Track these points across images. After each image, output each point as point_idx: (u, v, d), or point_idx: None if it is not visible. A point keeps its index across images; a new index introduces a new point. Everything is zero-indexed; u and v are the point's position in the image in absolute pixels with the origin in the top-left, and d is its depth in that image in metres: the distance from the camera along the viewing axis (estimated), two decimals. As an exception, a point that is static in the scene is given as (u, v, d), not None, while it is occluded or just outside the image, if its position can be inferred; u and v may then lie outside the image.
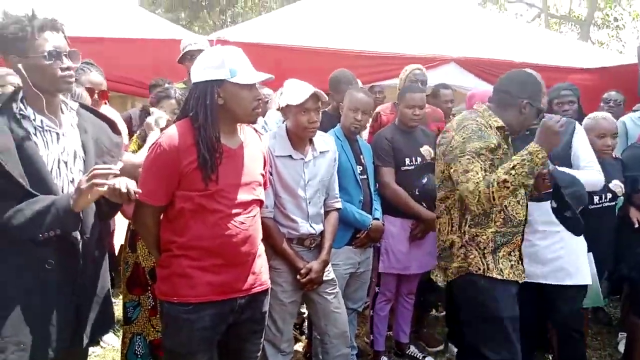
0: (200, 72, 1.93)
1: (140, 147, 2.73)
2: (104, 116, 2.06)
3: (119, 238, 2.98)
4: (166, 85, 2.85)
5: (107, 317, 2.06)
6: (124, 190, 1.69)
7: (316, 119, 2.48)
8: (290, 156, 2.51)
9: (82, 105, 2.02)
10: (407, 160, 3.16)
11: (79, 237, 1.85)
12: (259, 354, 2.24)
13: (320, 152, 2.61)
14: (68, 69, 1.78)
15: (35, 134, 1.78)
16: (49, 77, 1.75)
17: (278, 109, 3.25)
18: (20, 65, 1.73)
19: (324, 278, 2.58)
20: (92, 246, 1.92)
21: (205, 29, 15.36)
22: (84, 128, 1.92)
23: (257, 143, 2.16)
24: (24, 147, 1.71)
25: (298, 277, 2.50)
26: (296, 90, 2.48)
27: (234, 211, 1.97)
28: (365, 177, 3.02)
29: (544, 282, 2.79)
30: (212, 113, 1.89)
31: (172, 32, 4.84)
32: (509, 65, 5.05)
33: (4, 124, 1.70)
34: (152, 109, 2.72)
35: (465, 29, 5.71)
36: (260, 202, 2.12)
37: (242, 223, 1.98)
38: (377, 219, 3.02)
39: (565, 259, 2.76)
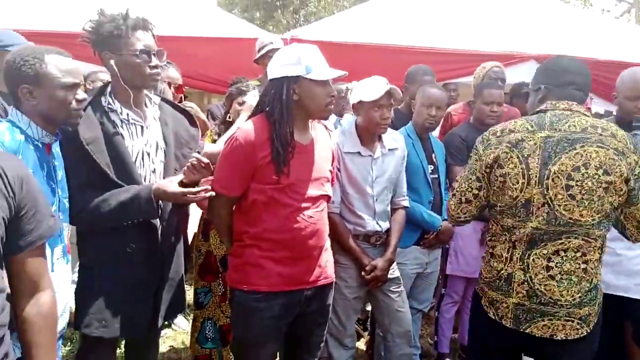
0: (277, 68, 2.00)
1: (214, 141, 2.85)
2: (182, 109, 2.18)
3: (192, 227, 3.12)
4: (247, 83, 2.95)
5: (180, 301, 2.19)
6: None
7: (388, 115, 2.49)
8: (359, 153, 2.52)
9: (163, 99, 2.15)
10: (480, 161, 3.07)
11: (158, 223, 1.97)
12: (322, 345, 2.29)
13: (389, 149, 2.60)
14: (156, 67, 1.93)
15: (121, 126, 1.92)
16: (139, 74, 1.89)
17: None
18: (112, 62, 1.86)
19: (389, 276, 2.57)
20: (169, 232, 2.05)
21: (279, 28, 15.67)
22: (165, 121, 2.05)
23: (326, 140, 2.21)
24: (111, 139, 1.86)
25: (363, 273, 2.50)
26: (370, 87, 2.48)
27: (304, 205, 2.02)
28: (436, 176, 2.97)
29: (626, 295, 2.59)
30: (288, 108, 1.95)
31: (247, 32, 4.97)
32: (593, 63, 4.79)
33: (93, 116, 1.85)
34: (243, 98, 2.83)
35: (546, 25, 5.44)
36: (328, 198, 2.17)
37: (311, 217, 2.04)
38: (447, 219, 2.96)
39: None
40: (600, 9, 18.69)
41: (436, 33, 4.97)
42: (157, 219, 1.98)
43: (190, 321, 3.20)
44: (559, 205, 1.82)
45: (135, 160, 1.95)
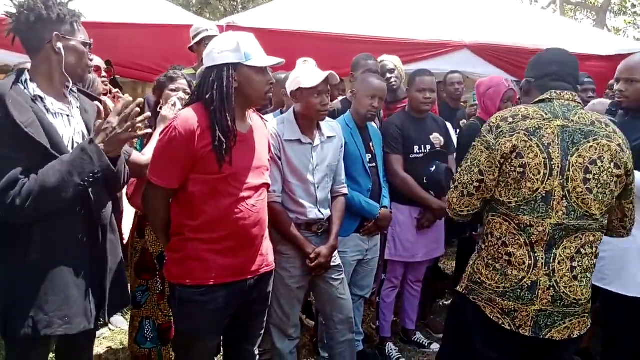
0: (215, 55, 1.96)
1: (144, 134, 2.74)
2: (92, 96, 2.09)
3: (127, 225, 3.00)
4: (177, 71, 2.83)
5: (124, 293, 2.11)
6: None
7: (327, 102, 2.49)
8: (299, 140, 2.51)
9: (78, 89, 2.05)
10: (417, 148, 3.14)
11: (96, 214, 1.89)
12: (262, 333, 2.28)
13: (327, 137, 2.61)
14: (91, 60, 1.93)
15: (48, 115, 1.80)
16: (81, 64, 1.87)
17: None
18: (60, 45, 1.78)
19: (331, 263, 2.59)
20: (107, 223, 1.97)
21: (216, 16, 15.30)
22: (84, 109, 1.96)
23: (263, 128, 2.22)
24: (44, 124, 1.75)
25: (307, 261, 2.51)
26: (308, 74, 2.48)
27: (246, 194, 2.00)
28: (374, 165, 3.01)
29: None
30: (228, 96, 1.93)
31: (183, 18, 4.81)
32: (523, 52, 5.00)
33: (24, 101, 1.72)
34: (170, 99, 2.71)
35: (479, 15, 5.62)
36: (268, 186, 2.17)
37: (254, 206, 2.03)
38: (386, 207, 3.02)
39: (607, 261, 2.40)
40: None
41: (374, 22, 5.01)
42: (95, 211, 1.88)
43: (129, 320, 3.09)
44: (577, 198, 1.75)
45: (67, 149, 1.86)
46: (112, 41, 3.93)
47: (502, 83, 3.37)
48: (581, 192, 1.75)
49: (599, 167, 1.76)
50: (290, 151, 2.49)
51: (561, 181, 1.74)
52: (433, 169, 3.08)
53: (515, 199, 1.78)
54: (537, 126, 1.77)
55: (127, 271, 3.05)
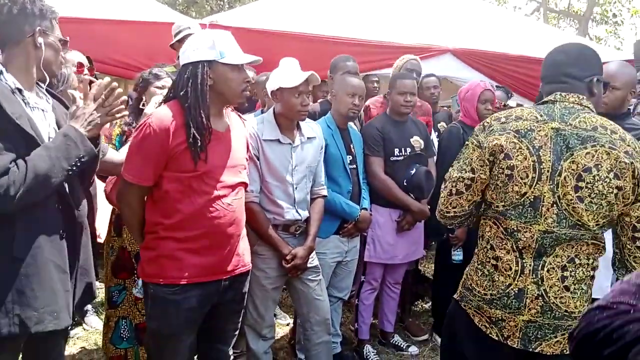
0: (190, 53, 1.96)
1: (123, 132, 2.71)
2: (55, 95, 2.06)
3: (103, 223, 2.95)
4: (158, 68, 2.81)
5: (91, 289, 2.08)
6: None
7: (308, 102, 2.49)
8: (278, 140, 2.50)
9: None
10: (397, 151, 3.15)
11: (75, 209, 1.87)
12: (236, 333, 2.27)
13: (307, 137, 2.61)
14: (64, 57, 1.90)
15: (27, 109, 1.78)
16: (56, 60, 1.85)
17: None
18: (42, 40, 1.76)
19: (307, 265, 2.58)
20: (83, 220, 1.94)
21: (202, 14, 15.22)
22: (53, 106, 1.94)
23: (241, 128, 2.21)
24: (29, 118, 1.73)
25: (283, 262, 2.50)
26: (289, 74, 2.47)
27: (222, 193, 1.99)
28: (354, 166, 3.01)
29: None
30: (203, 93, 1.92)
31: (167, 16, 4.78)
32: (506, 58, 5.06)
33: (10, 94, 1.70)
34: (152, 97, 2.68)
35: (463, 20, 5.66)
36: (245, 185, 2.16)
37: (229, 205, 2.01)
38: (365, 208, 3.02)
39: None
40: (512, 6, 19.79)
41: (358, 24, 5.03)
42: (74, 205, 1.85)
43: (104, 320, 3.05)
44: (568, 206, 1.64)
45: None
46: (93, 37, 3.89)
47: (478, 84, 3.42)
48: (571, 199, 1.64)
49: (594, 176, 1.63)
50: (269, 151, 2.47)
51: (551, 186, 1.65)
52: (413, 171, 3.09)
53: (503, 203, 1.71)
54: (529, 128, 1.69)
55: (102, 269, 3.02)
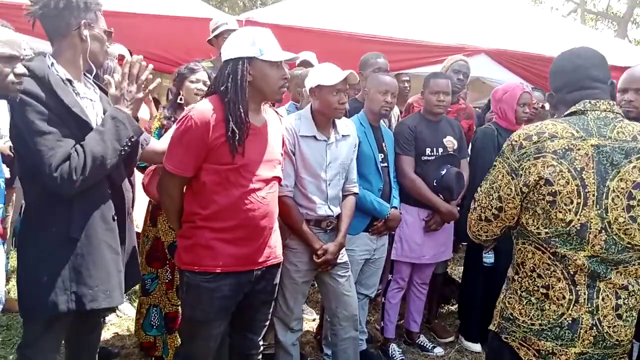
0: (231, 50, 2.02)
1: (162, 125, 2.78)
2: (100, 86, 2.13)
3: (140, 214, 3.03)
4: (195, 63, 2.87)
5: (138, 271, 2.18)
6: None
7: (345, 100, 2.53)
8: (314, 137, 2.54)
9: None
10: (428, 150, 3.15)
11: (124, 192, 1.98)
12: (267, 324, 2.32)
13: (342, 135, 2.64)
14: (108, 47, 1.99)
15: (77, 98, 1.86)
16: (101, 50, 1.93)
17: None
18: (87, 32, 1.84)
19: (337, 261, 2.61)
20: (130, 206, 2.05)
21: (235, 10, 15.37)
22: (101, 96, 2.01)
23: (278, 124, 2.26)
24: (82, 108, 1.83)
25: (314, 257, 2.53)
26: (328, 72, 2.51)
27: (257, 186, 2.04)
28: (386, 165, 3.02)
29: None
30: (242, 88, 1.98)
31: (202, 11, 4.84)
32: (541, 60, 4.96)
33: (63, 84, 1.79)
34: (188, 89, 2.76)
35: (498, 21, 5.57)
36: (279, 179, 2.21)
37: (264, 198, 2.06)
38: (395, 207, 3.03)
39: None
40: (549, 6, 19.37)
41: (391, 23, 5.00)
42: (124, 188, 1.97)
43: (136, 307, 3.14)
44: (619, 230, 1.52)
45: None
46: (132, 31, 3.97)
47: (517, 86, 3.36)
48: (623, 222, 1.52)
49: None
50: (305, 147, 2.51)
51: (599, 211, 1.51)
52: (444, 172, 3.08)
53: (546, 230, 1.57)
54: (566, 147, 1.53)
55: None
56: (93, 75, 2.00)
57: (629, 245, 1.54)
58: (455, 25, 5.25)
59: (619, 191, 1.52)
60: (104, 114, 1.94)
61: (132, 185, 2.09)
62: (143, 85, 1.89)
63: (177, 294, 2.87)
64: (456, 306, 4.06)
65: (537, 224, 1.58)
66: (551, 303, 1.59)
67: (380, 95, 2.91)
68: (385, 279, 3.36)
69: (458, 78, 3.57)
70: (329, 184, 2.57)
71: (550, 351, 1.59)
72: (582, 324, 1.56)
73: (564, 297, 1.58)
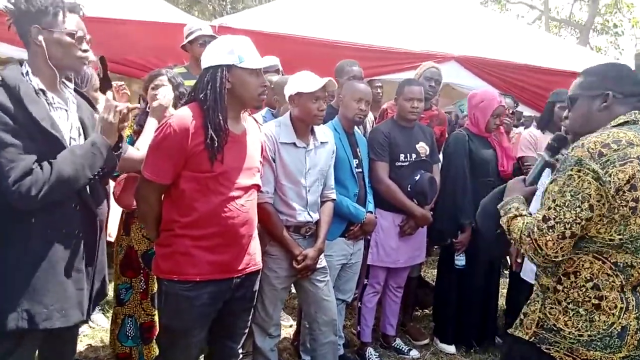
0: (210, 57, 2.03)
1: (135, 132, 2.75)
2: (82, 94, 2.09)
3: (114, 222, 2.98)
4: (162, 69, 2.85)
5: (104, 286, 2.12)
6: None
7: (324, 107, 2.56)
8: (294, 144, 2.56)
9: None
10: (402, 156, 3.20)
11: (95, 208, 1.90)
12: (246, 331, 2.32)
13: (321, 142, 2.67)
14: (86, 51, 1.86)
15: (50, 109, 1.80)
16: (69, 55, 1.81)
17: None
18: (41, 38, 1.75)
19: (317, 266, 2.62)
20: (103, 219, 1.98)
21: (204, 14, 15.26)
22: (79, 105, 1.96)
23: (257, 132, 2.28)
24: (51, 119, 1.76)
25: (294, 263, 2.55)
26: (307, 79, 2.54)
27: (236, 194, 2.05)
28: (360, 170, 3.06)
29: None
30: (221, 95, 1.99)
31: (174, 16, 4.80)
32: (509, 66, 5.10)
33: (34, 95, 1.73)
34: (158, 90, 2.72)
35: (467, 28, 5.70)
36: (258, 187, 2.22)
37: (243, 206, 2.07)
38: (371, 212, 3.07)
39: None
40: (515, 14, 19.89)
41: (364, 30, 5.06)
42: (93, 205, 1.89)
43: (109, 318, 3.08)
44: None
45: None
46: (104, 36, 3.90)
47: (494, 98, 3.41)
48: None
49: None
50: (285, 154, 2.53)
51: None
52: (417, 177, 3.14)
53: (620, 236, 1.54)
54: None
55: (111, 268, 3.06)
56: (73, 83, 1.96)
57: None
58: (426, 32, 5.34)
59: None
60: (82, 123, 1.91)
61: (107, 195, 2.06)
62: (121, 117, 1.85)
63: (151, 304, 2.84)
64: (430, 308, 4.12)
65: (611, 231, 1.55)
66: (601, 314, 1.58)
67: (354, 103, 2.96)
68: (361, 283, 3.39)
69: (430, 85, 3.64)
70: (309, 190, 2.60)
71: (599, 359, 1.58)
72: (629, 330, 1.58)
73: (615, 307, 1.57)
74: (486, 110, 3.36)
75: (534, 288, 1.80)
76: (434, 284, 4.05)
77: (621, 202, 1.53)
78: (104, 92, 3.42)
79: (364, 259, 3.24)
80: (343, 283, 3.10)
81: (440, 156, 3.61)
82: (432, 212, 3.32)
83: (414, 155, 3.24)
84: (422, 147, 3.28)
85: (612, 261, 1.57)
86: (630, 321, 1.58)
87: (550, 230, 1.55)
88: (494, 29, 5.96)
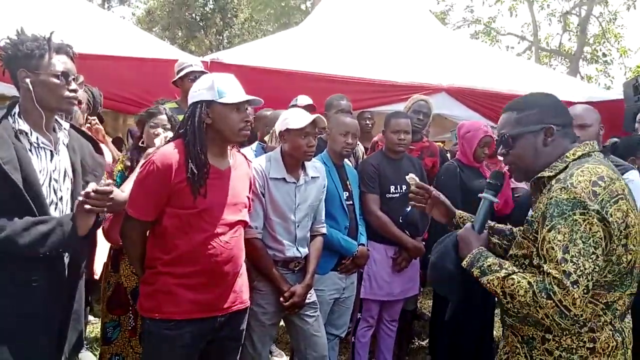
0: (193, 94, 2.06)
1: (126, 167, 2.74)
2: (88, 135, 2.11)
3: (101, 258, 2.95)
4: (159, 105, 2.87)
5: (80, 336, 2.07)
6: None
7: (314, 143, 2.56)
8: (284, 179, 2.56)
9: (71, 125, 2.07)
10: (393, 188, 3.20)
11: (65, 255, 1.86)
12: None
13: (311, 177, 2.66)
14: (74, 91, 1.88)
15: (30, 150, 1.80)
16: (56, 96, 1.83)
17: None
18: (28, 80, 1.79)
19: (306, 301, 2.58)
20: (77, 264, 1.94)
21: (201, 49, 15.53)
22: (73, 147, 1.97)
23: (245, 168, 2.26)
24: (22, 161, 1.75)
25: (281, 299, 2.51)
26: (297, 115, 2.56)
27: (220, 230, 2.03)
28: (351, 202, 3.05)
29: None
30: (200, 130, 2.00)
31: (166, 52, 4.88)
32: (498, 96, 5.16)
33: (7, 136, 1.73)
34: (160, 137, 2.73)
35: (457, 60, 5.80)
36: (245, 223, 2.19)
37: (227, 242, 2.05)
38: (363, 244, 3.04)
39: None
40: (505, 45, 20.28)
41: (355, 63, 5.14)
42: (71, 255, 1.88)
43: (97, 357, 3.01)
44: None
45: (42, 186, 1.84)
46: (95, 72, 3.95)
47: (480, 128, 3.44)
48: None
49: None
50: (274, 189, 2.53)
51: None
52: (409, 209, 3.12)
53: (612, 275, 1.49)
54: (623, 187, 1.52)
55: (98, 305, 3.00)
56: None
57: None
58: (416, 64, 5.43)
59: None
60: (73, 163, 1.90)
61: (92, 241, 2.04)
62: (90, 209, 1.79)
63: (140, 342, 2.78)
64: (427, 341, 4.04)
65: (605, 271, 1.49)
66: (595, 356, 1.52)
67: (341, 137, 2.97)
68: (354, 317, 3.34)
69: (418, 118, 3.67)
70: (298, 226, 2.58)
71: None
72: None
73: (609, 346, 1.52)
74: (472, 141, 3.38)
75: (508, 340, 1.69)
76: (429, 315, 3.99)
77: (618, 242, 1.47)
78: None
79: (357, 292, 3.20)
80: (336, 318, 3.05)
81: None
82: (424, 243, 3.30)
83: (404, 187, 3.23)
84: (412, 179, 3.27)
85: (603, 302, 1.51)
86: (619, 357, 1.54)
87: (575, 286, 1.40)
88: (484, 61, 6.07)
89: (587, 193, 1.46)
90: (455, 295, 1.74)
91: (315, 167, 2.75)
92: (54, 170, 1.86)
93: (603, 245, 1.44)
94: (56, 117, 1.95)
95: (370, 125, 4.57)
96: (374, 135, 4.29)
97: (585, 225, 1.44)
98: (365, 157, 3.74)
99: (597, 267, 1.43)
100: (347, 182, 3.07)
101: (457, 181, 3.34)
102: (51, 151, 1.87)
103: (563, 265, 1.42)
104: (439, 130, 6.38)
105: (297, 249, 2.59)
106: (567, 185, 1.49)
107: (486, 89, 5.30)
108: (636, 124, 4.30)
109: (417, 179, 3.28)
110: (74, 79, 1.88)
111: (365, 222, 3.16)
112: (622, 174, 2.48)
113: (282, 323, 2.78)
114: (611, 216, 1.45)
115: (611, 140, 4.63)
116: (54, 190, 1.87)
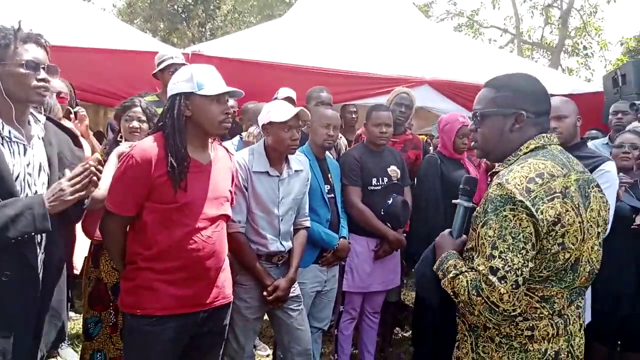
0: (171, 86, 2.03)
1: (104, 162, 2.71)
2: (66, 129, 2.07)
3: (82, 252, 2.92)
4: (135, 98, 2.83)
5: (61, 330, 2.04)
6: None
7: (297, 136, 2.55)
8: (267, 172, 2.54)
9: (48, 118, 2.02)
10: (374, 180, 3.20)
11: (38, 249, 1.83)
12: None
13: (295, 170, 2.65)
14: (44, 80, 1.80)
15: (2, 144, 1.76)
16: (24, 86, 1.77)
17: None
18: None
19: (290, 294, 2.58)
20: (52, 260, 1.90)
21: (183, 41, 15.36)
22: (49, 141, 1.93)
23: (227, 161, 2.24)
24: None
25: (265, 294, 2.50)
26: (280, 108, 2.53)
27: (201, 225, 2.01)
28: (332, 196, 3.05)
29: None
30: (179, 123, 1.97)
31: (148, 44, 4.82)
32: (479, 88, 5.18)
33: None
34: (134, 123, 2.70)
35: (440, 52, 5.82)
36: (227, 217, 2.17)
37: (209, 237, 2.02)
38: (344, 237, 3.05)
39: None
40: (487, 38, 20.41)
41: (338, 55, 5.13)
42: (38, 247, 1.83)
43: (79, 353, 2.98)
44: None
45: (16, 181, 1.79)
46: (75, 65, 3.89)
47: (457, 120, 3.46)
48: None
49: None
50: (257, 182, 2.51)
51: (589, 244, 1.54)
52: (390, 201, 3.14)
53: (548, 271, 1.50)
54: (565, 185, 1.49)
55: (80, 301, 2.97)
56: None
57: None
58: (399, 57, 5.44)
59: (592, 221, 1.54)
60: (49, 157, 1.86)
61: (71, 234, 2.00)
62: (75, 190, 1.76)
63: (121, 338, 2.76)
64: (409, 332, 4.08)
65: (541, 267, 1.49)
66: (534, 343, 1.54)
67: (322, 129, 2.97)
68: (337, 310, 3.35)
69: (400, 110, 3.68)
70: (281, 220, 2.57)
71: None
72: (561, 355, 1.56)
73: (547, 334, 1.54)
74: (450, 132, 3.39)
75: (458, 328, 1.72)
76: (412, 306, 4.02)
77: (552, 242, 1.46)
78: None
79: (339, 285, 3.21)
80: (318, 311, 3.05)
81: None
82: (405, 235, 3.32)
83: (385, 179, 3.24)
84: (394, 171, 3.29)
85: (539, 295, 1.52)
86: (561, 344, 1.55)
87: (503, 282, 1.42)
88: (467, 53, 6.09)
89: (520, 189, 1.45)
90: (435, 299, 1.75)
91: (299, 160, 2.73)
92: (27, 165, 1.82)
93: (533, 241, 1.44)
94: (32, 110, 1.91)
95: (355, 118, 4.57)
96: (358, 128, 4.30)
97: (515, 220, 1.44)
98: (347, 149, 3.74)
99: (526, 262, 1.43)
100: (329, 175, 3.07)
101: (437, 173, 3.36)
102: (24, 145, 1.83)
103: (491, 261, 1.44)
104: (422, 123, 6.41)
105: (281, 243, 2.58)
106: (503, 181, 1.49)
107: (469, 81, 5.32)
108: (610, 116, 4.38)
109: (399, 171, 3.32)
110: (43, 69, 1.81)
111: (347, 215, 3.16)
112: (597, 166, 2.52)
113: (266, 317, 2.78)
114: (541, 213, 1.43)
115: (591, 133, 4.71)
116: (28, 184, 1.82)
